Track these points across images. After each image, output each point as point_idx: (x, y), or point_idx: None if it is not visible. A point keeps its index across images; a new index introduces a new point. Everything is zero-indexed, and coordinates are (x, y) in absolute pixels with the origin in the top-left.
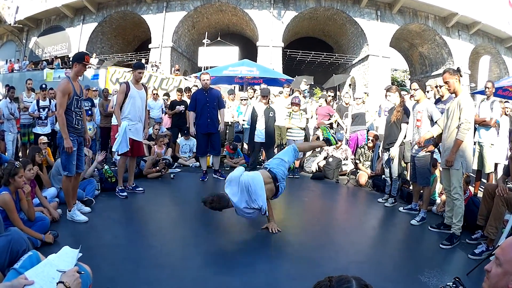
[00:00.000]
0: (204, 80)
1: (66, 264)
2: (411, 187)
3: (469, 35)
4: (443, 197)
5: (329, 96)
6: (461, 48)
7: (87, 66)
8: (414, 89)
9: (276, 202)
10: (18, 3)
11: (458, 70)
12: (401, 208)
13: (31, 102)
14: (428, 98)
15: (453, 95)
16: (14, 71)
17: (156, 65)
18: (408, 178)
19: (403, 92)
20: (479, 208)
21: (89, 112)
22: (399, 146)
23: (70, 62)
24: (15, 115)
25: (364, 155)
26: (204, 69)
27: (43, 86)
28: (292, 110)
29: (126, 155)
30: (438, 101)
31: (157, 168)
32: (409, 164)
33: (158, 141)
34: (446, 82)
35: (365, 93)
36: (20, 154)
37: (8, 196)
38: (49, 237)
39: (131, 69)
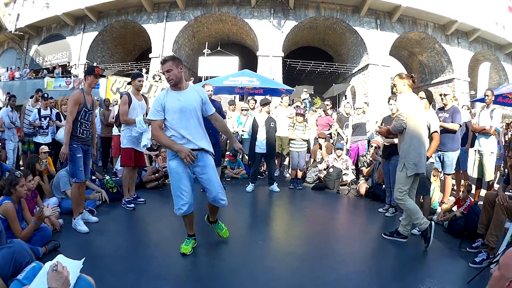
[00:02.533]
0: (208, 91)
1: None
2: None
3: (468, 43)
4: (444, 206)
5: (327, 105)
6: (460, 55)
7: (98, 77)
8: (420, 97)
9: (277, 213)
10: (19, 11)
11: (411, 76)
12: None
13: (32, 112)
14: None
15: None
16: (15, 79)
17: (159, 75)
18: None
19: None
20: (479, 216)
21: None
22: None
23: (71, 73)
24: (16, 123)
25: (366, 163)
26: (204, 79)
27: (45, 95)
28: (296, 121)
29: (128, 165)
30: (441, 109)
31: (156, 175)
32: None
33: (162, 153)
34: (394, 85)
35: (365, 103)
36: (20, 162)
37: (10, 204)
38: (37, 214)
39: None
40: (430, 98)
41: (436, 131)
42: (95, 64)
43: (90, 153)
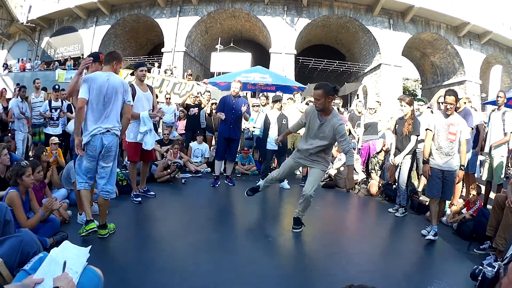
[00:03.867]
0: (233, 88)
1: (72, 262)
2: (421, 198)
3: (480, 45)
4: (453, 208)
5: (338, 103)
6: (472, 57)
7: (103, 64)
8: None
9: (287, 211)
10: (31, 3)
11: (336, 90)
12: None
13: (40, 102)
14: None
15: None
16: (26, 70)
17: (170, 70)
18: (419, 189)
19: (420, 103)
20: (488, 219)
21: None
22: (412, 156)
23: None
24: (26, 114)
25: (378, 164)
26: (216, 75)
27: (56, 86)
28: None
29: (134, 161)
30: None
31: (168, 171)
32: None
33: (174, 147)
34: (317, 99)
35: (378, 102)
36: (30, 153)
37: (16, 193)
38: (46, 204)
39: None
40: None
41: (467, 139)
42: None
43: None
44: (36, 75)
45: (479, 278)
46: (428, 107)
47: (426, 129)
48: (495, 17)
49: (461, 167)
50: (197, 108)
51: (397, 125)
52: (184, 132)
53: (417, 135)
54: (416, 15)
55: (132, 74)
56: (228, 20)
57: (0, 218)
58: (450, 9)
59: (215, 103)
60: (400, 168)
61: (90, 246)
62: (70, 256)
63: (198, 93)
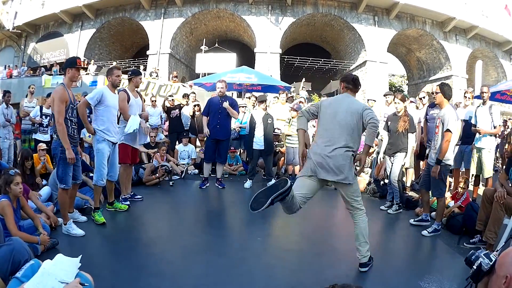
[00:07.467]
0: (219, 88)
1: (64, 273)
2: (410, 193)
3: (467, 40)
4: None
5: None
6: (458, 52)
7: (81, 70)
8: (435, 92)
9: (275, 210)
10: (17, 9)
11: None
12: (411, 220)
13: (33, 107)
14: (423, 104)
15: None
16: (13, 77)
17: (156, 72)
18: (408, 184)
19: None
20: (478, 213)
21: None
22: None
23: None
24: (11, 121)
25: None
26: (201, 76)
27: (51, 93)
28: (292, 117)
29: (125, 162)
30: (432, 106)
31: (157, 175)
32: (410, 170)
33: (160, 149)
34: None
35: (373, 100)
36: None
37: (7, 202)
38: (44, 238)
39: (127, 76)
40: (445, 93)
41: (449, 130)
42: (82, 58)
43: (78, 153)
44: (23, 82)
45: (474, 267)
46: (411, 102)
47: (447, 130)
48: (481, 11)
49: (437, 161)
50: (177, 110)
51: (389, 122)
52: (168, 133)
53: (414, 132)
54: (401, 11)
55: (129, 80)
56: (212, 21)
57: None
58: (435, 4)
59: (198, 105)
60: (392, 165)
61: (81, 255)
62: (63, 268)
63: (170, 96)
